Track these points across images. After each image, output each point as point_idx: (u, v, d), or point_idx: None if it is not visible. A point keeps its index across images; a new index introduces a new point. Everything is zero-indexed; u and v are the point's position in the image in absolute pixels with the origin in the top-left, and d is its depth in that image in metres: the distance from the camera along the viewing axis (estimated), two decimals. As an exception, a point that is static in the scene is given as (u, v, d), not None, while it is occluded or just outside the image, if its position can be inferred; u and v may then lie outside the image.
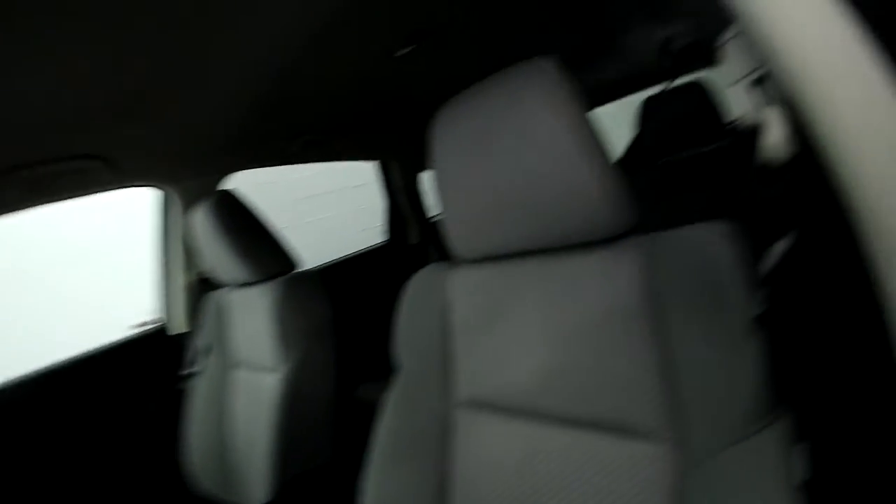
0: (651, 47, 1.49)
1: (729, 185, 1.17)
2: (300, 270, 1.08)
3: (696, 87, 1.33)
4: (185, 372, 1.30)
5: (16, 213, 1.01)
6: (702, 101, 1.32)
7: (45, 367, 1.19)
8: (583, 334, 0.53)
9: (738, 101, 0.37)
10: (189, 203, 1.28)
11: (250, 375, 1.13)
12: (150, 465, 1.28)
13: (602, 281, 0.52)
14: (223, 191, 1.05)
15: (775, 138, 0.34)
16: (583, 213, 0.50)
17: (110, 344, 1.30)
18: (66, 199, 1.08)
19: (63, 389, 1.19)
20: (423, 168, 2.07)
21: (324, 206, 3.95)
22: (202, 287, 1.37)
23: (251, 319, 1.10)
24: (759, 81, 0.35)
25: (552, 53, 0.54)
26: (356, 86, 1.24)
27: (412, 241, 2.09)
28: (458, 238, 0.62)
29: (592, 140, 0.49)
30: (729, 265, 0.45)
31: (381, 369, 1.61)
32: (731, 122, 1.51)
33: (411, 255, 2.07)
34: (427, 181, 2.13)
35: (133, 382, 1.31)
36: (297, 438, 0.98)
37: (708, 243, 0.46)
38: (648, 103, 1.41)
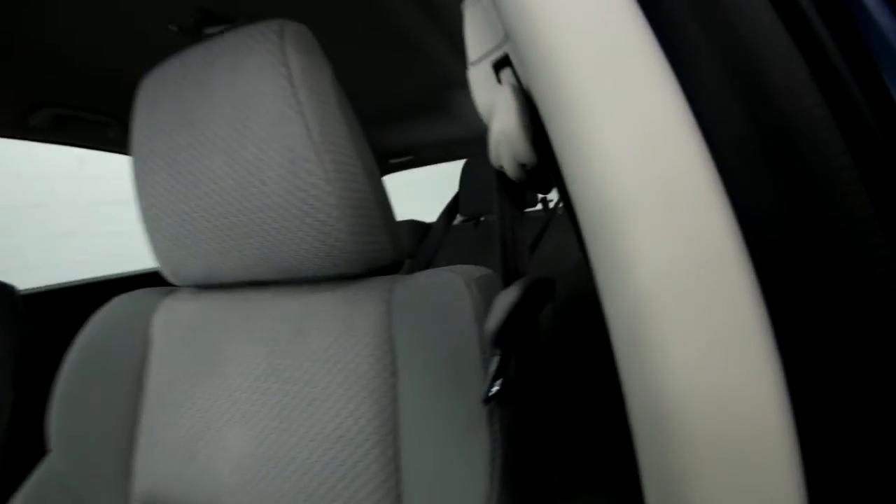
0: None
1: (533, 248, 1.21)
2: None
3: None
4: None
5: None
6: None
7: None
8: (304, 404, 0.38)
9: (480, 89, 0.28)
10: None
11: None
12: None
13: (332, 331, 0.39)
14: None
15: (503, 130, 0.26)
16: (317, 238, 0.37)
17: None
18: None
19: None
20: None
21: (132, 216, 3.27)
22: None
23: None
24: (502, 63, 0.27)
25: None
26: (140, 65, 0.99)
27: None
28: (163, 256, 0.44)
29: (340, 142, 0.37)
30: (468, 324, 0.35)
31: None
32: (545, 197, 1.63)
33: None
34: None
35: None
36: None
37: (449, 292, 0.37)
38: (469, 164, 1.44)
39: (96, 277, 1.43)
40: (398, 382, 0.36)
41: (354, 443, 0.35)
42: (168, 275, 0.45)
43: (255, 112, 0.36)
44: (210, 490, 0.39)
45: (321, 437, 0.36)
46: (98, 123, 1.21)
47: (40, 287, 1.18)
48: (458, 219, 1.56)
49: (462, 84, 1.36)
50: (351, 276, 0.41)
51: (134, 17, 0.82)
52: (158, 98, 0.41)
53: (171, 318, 0.46)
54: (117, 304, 0.49)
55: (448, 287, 0.37)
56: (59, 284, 1.27)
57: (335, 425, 0.36)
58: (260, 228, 0.38)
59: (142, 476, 0.43)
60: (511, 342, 0.32)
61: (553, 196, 1.99)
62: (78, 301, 1.29)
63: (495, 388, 0.32)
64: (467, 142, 1.86)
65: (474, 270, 0.39)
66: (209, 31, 0.99)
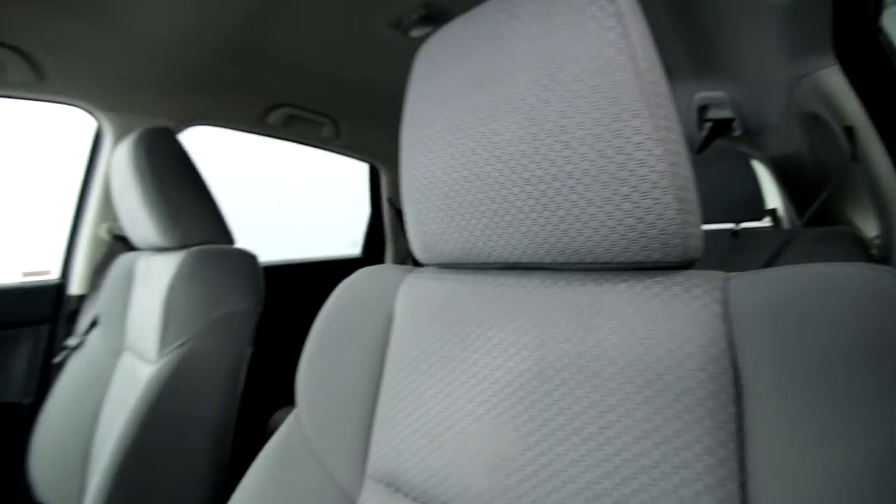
0: (691, 110, 1.37)
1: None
2: (229, 246, 0.85)
3: (736, 157, 1.18)
4: (69, 343, 1.04)
5: None
6: (739, 173, 1.16)
7: None
8: (593, 414, 0.31)
9: None
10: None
11: (131, 363, 0.88)
12: None
13: (636, 330, 0.31)
14: (156, 129, 0.84)
15: None
16: (630, 214, 0.30)
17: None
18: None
19: None
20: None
21: (313, 211, 3.79)
22: (120, 245, 1.14)
23: (150, 292, 0.86)
24: None
25: None
26: (354, 67, 1.08)
27: (388, 262, 1.88)
28: (418, 229, 0.42)
29: (665, 98, 0.31)
30: None
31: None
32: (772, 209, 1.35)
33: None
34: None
35: (12, 343, 1.06)
36: (162, 460, 0.72)
37: (869, 296, 0.25)
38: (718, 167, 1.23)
39: (289, 260, 1.63)
40: (745, 414, 0.26)
41: (672, 479, 0.27)
42: (417, 251, 0.43)
43: (570, 60, 0.31)
44: (459, 485, 0.35)
45: (617, 461, 0.29)
46: (316, 123, 1.37)
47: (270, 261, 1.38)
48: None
49: (676, 76, 1.20)
50: (656, 267, 0.33)
51: (354, 24, 0.88)
52: (439, 63, 0.39)
53: (415, 295, 0.44)
54: (361, 278, 0.49)
55: (861, 288, 0.25)
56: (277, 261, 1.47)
57: (640, 450, 0.28)
58: (550, 202, 0.32)
59: (378, 454, 0.41)
60: None
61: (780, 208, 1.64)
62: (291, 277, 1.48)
63: None
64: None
65: (867, 268, 0.27)
66: (414, 33, 1.04)
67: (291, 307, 1.35)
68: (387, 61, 1.06)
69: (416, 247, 0.43)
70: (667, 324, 0.30)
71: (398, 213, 1.82)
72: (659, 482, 0.27)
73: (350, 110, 1.36)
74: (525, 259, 0.36)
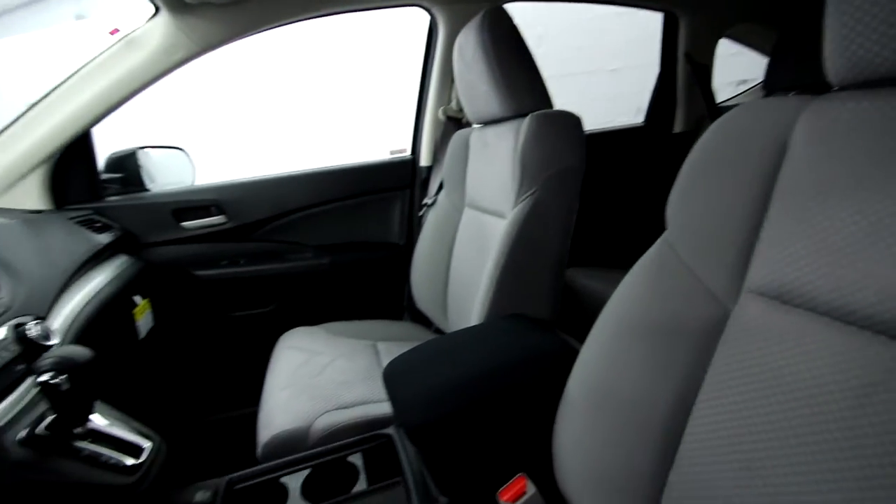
0: None
1: None
2: (559, 110, 0.94)
3: None
4: (425, 202, 1.40)
5: (301, 20, 1.15)
6: None
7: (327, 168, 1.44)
8: None
9: None
10: (454, 31, 1.24)
11: (475, 215, 1.12)
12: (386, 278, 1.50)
13: None
14: (496, 9, 0.94)
15: None
16: None
17: (366, 162, 1.48)
18: (343, 9, 1.15)
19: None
20: (724, 29, 1.58)
21: (569, 89, 3.67)
22: (451, 125, 1.39)
23: (488, 159, 1.05)
24: None
25: None
26: None
27: (678, 129, 1.71)
28: (853, 43, 0.38)
29: None
30: None
31: (590, 258, 1.46)
32: None
33: (671, 146, 1.70)
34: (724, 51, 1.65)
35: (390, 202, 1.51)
36: (516, 285, 0.93)
37: None
38: None
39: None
40: None
41: None
42: (837, 70, 0.38)
43: None
44: (878, 295, 0.35)
45: None
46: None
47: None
48: None
49: None
50: None
51: None
52: None
53: (828, 119, 0.40)
54: (743, 110, 0.48)
55: None
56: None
57: None
58: None
59: (763, 270, 0.43)
60: None
61: None
62: None
63: None
64: None
65: None
66: None
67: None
68: None
69: (836, 65, 0.39)
70: None
71: (696, 68, 1.60)
72: None
73: None
74: None
